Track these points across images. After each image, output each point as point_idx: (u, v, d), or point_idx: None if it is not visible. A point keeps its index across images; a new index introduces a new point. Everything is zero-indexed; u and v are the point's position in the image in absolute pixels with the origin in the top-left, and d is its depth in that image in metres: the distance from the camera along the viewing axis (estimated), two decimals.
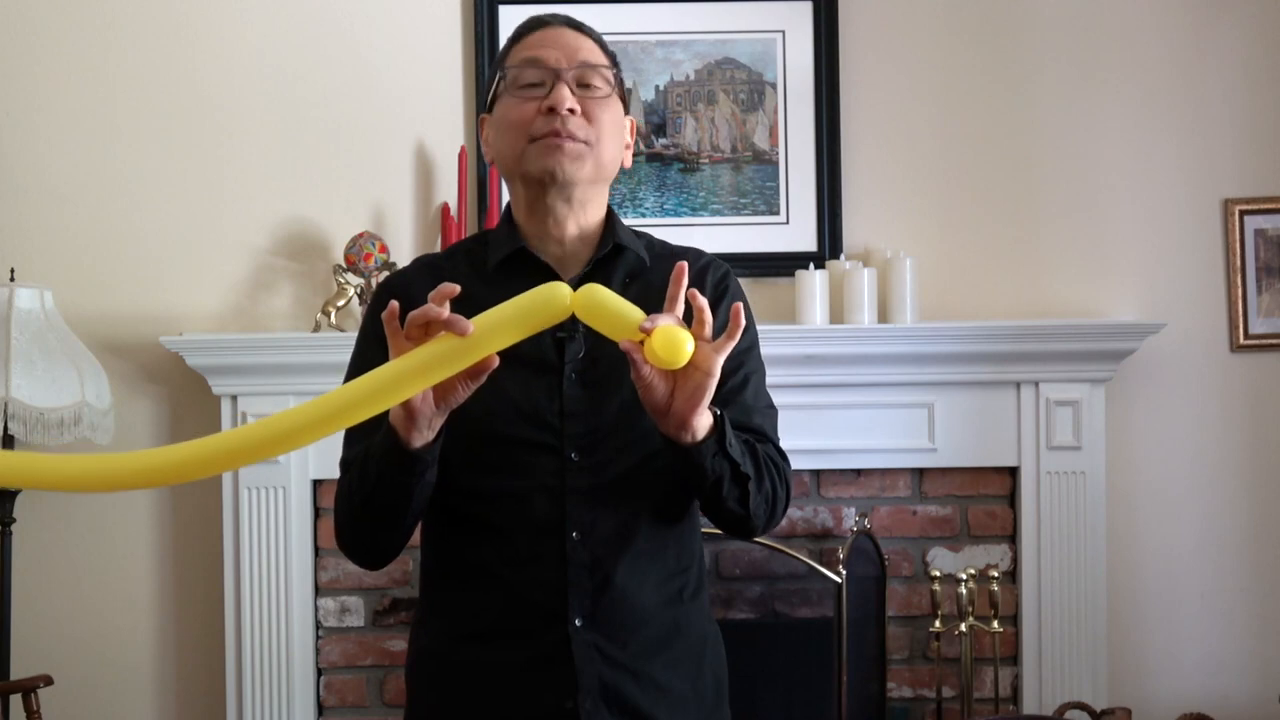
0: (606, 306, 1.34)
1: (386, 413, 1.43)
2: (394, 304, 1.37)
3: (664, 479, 1.54)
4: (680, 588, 1.62)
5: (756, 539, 3.08)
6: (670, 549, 1.61)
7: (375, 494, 1.48)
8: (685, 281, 1.37)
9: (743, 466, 1.48)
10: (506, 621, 1.55)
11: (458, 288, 1.34)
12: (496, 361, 1.36)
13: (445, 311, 1.33)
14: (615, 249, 1.62)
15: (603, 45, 1.63)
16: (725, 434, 1.45)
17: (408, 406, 1.38)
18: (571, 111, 1.55)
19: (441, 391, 1.38)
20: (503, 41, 3.14)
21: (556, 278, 1.54)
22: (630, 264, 1.63)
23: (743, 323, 1.38)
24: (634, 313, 1.34)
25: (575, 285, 1.56)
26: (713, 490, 1.48)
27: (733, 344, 1.37)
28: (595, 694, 1.54)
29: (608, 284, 1.58)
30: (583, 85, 1.57)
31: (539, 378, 1.55)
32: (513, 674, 1.55)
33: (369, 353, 1.55)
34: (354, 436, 1.57)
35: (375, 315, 1.56)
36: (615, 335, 1.34)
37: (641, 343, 1.32)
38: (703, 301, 1.36)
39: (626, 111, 1.65)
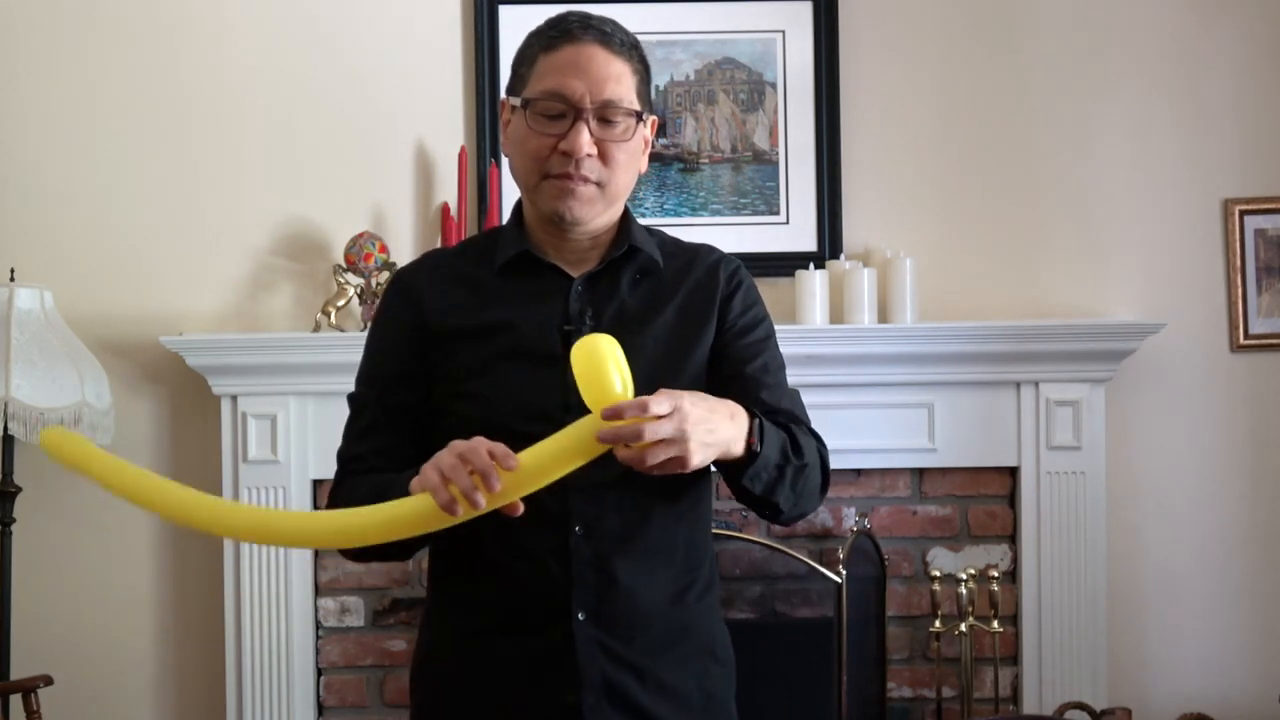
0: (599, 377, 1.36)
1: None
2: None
3: (671, 476, 1.55)
4: (688, 586, 1.62)
5: (755, 539, 3.11)
6: (679, 548, 1.61)
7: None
8: None
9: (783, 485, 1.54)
10: (512, 616, 1.56)
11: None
12: (519, 510, 1.40)
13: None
14: (629, 250, 1.62)
15: (631, 56, 1.58)
16: (759, 463, 1.49)
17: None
18: (588, 154, 1.54)
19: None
20: (503, 39, 3.21)
21: (565, 277, 1.57)
22: (642, 264, 1.63)
23: None
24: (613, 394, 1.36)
25: (584, 283, 1.58)
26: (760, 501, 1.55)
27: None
28: (598, 690, 1.54)
29: (617, 282, 1.60)
30: (604, 121, 1.54)
31: (544, 370, 1.55)
32: (516, 669, 1.55)
33: (392, 344, 1.62)
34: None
35: (391, 308, 1.64)
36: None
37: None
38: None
39: (651, 111, 1.63)
